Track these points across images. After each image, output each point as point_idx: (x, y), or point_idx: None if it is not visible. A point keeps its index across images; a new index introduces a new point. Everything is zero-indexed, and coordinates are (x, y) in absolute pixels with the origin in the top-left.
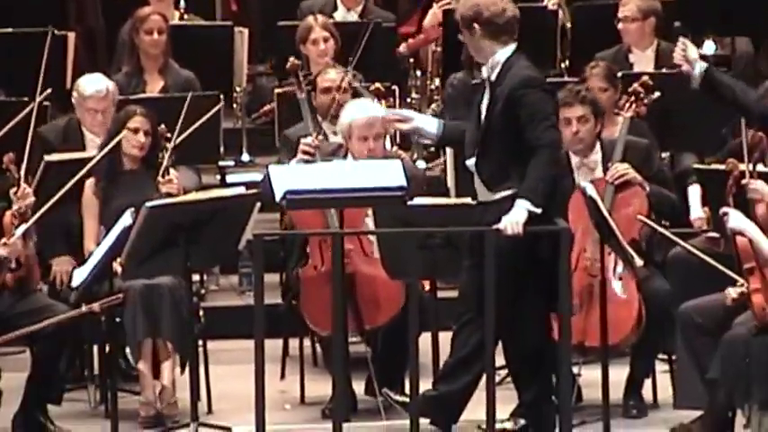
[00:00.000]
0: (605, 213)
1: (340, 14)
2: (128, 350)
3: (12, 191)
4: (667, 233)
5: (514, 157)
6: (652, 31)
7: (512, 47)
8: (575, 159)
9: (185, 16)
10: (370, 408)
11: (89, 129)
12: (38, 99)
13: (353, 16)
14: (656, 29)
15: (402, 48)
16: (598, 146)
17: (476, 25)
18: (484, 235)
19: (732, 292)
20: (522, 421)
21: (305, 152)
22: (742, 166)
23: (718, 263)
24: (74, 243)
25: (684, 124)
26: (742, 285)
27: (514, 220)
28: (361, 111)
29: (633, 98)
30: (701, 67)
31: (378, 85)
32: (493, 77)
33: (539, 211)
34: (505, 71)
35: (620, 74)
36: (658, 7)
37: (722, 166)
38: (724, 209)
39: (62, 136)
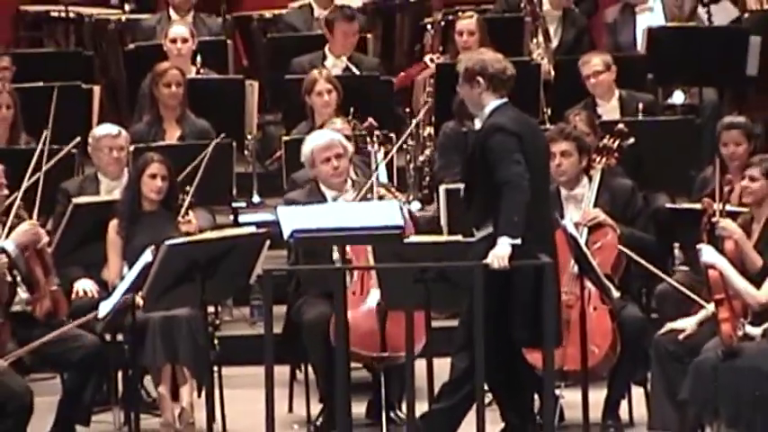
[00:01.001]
0: (584, 249)
1: (330, 62)
2: (147, 378)
3: None
4: (647, 265)
5: (493, 198)
6: (613, 81)
7: (502, 100)
8: (563, 192)
9: (201, 70)
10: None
11: (104, 170)
12: (68, 147)
13: (342, 63)
14: (616, 80)
15: (395, 81)
16: (585, 180)
17: (480, 79)
18: (473, 269)
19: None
20: None
21: None
22: (715, 206)
23: (697, 293)
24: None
25: (656, 167)
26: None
27: (500, 255)
28: (318, 137)
29: (604, 152)
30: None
31: (377, 132)
32: (478, 127)
33: (518, 241)
34: (487, 121)
35: (600, 120)
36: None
37: (695, 206)
38: (699, 245)
39: (79, 187)
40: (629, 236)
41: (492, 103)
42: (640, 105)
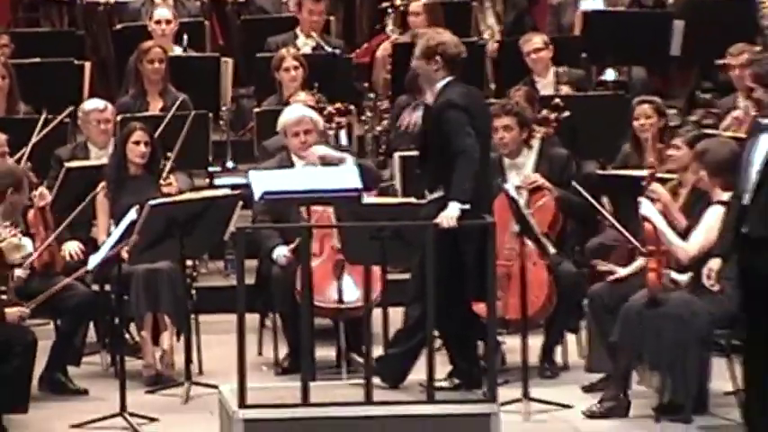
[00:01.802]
0: (523, 210)
1: (301, 41)
2: (131, 325)
3: (32, 193)
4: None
5: (445, 165)
6: (550, 59)
7: (452, 77)
8: (506, 161)
9: (187, 49)
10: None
11: (94, 140)
12: (61, 116)
13: (312, 42)
14: (553, 58)
15: (354, 56)
16: (525, 150)
17: (438, 57)
18: (425, 228)
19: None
20: (456, 381)
21: None
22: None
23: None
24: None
25: (589, 138)
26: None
27: (449, 216)
28: (291, 112)
29: (543, 123)
30: None
31: (339, 105)
32: (431, 102)
33: (467, 206)
34: (439, 97)
35: (539, 95)
36: None
37: (621, 172)
38: (640, 198)
39: (71, 154)
40: (566, 197)
41: (444, 80)
42: (564, 78)
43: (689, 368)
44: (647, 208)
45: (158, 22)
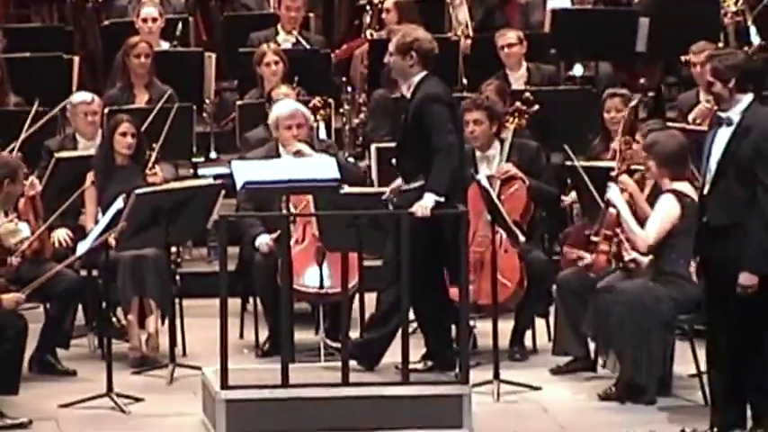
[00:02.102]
0: (495, 200)
1: (281, 38)
2: (118, 309)
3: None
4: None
5: (423, 157)
6: (522, 54)
7: (426, 72)
8: (478, 153)
9: (175, 45)
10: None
11: (82, 131)
12: (54, 110)
13: (292, 38)
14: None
15: (333, 55)
16: (496, 142)
17: (413, 53)
18: (400, 217)
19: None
20: (430, 363)
21: None
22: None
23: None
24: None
25: (557, 130)
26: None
27: (423, 206)
28: (285, 106)
29: (515, 114)
30: None
31: (318, 98)
32: (408, 95)
33: (442, 199)
34: (417, 90)
35: (510, 89)
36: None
37: (590, 163)
38: (610, 183)
39: (60, 145)
40: (537, 187)
41: (419, 74)
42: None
43: (653, 352)
44: (614, 193)
45: (145, 19)
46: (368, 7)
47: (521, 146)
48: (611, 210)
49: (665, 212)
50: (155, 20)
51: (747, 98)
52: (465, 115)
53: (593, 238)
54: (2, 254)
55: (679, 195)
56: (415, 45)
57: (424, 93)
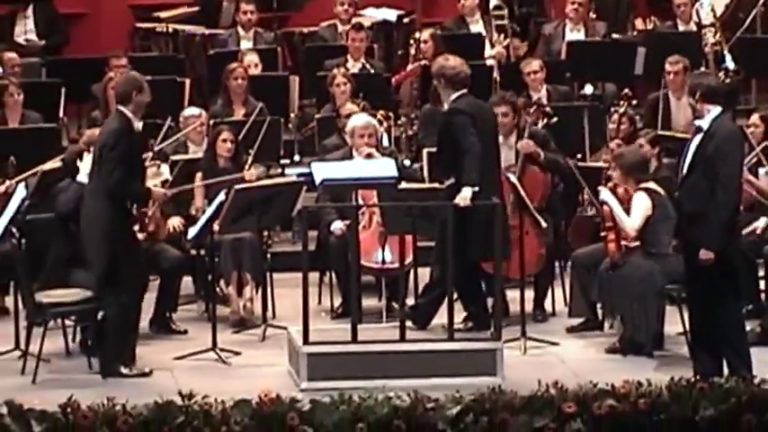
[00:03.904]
0: (522, 193)
1: (350, 64)
2: (221, 282)
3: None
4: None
5: (454, 159)
6: (543, 78)
7: (462, 91)
8: (501, 139)
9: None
10: (373, 315)
11: (191, 139)
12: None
13: (359, 65)
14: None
15: (393, 80)
16: (515, 132)
17: (441, 79)
18: (446, 207)
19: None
20: (470, 324)
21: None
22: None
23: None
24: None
25: (572, 138)
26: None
27: (464, 197)
28: (360, 119)
29: (537, 108)
30: None
31: (381, 112)
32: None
33: (477, 189)
34: (452, 106)
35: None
36: None
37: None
38: (599, 187)
39: (174, 150)
40: (552, 159)
41: (453, 94)
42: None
43: (649, 315)
44: (605, 194)
45: (249, 65)
46: (411, 41)
47: (533, 132)
48: (605, 207)
49: (641, 206)
50: (257, 65)
51: (716, 110)
52: (494, 108)
53: (602, 234)
54: (147, 194)
55: (649, 192)
56: (440, 72)
57: (450, 107)
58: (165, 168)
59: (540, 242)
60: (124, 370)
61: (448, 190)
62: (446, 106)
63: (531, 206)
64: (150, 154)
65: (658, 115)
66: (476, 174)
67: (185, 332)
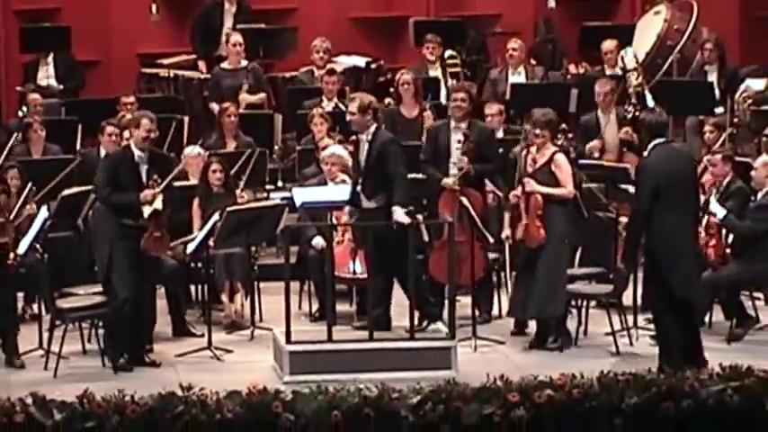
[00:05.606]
0: (473, 214)
1: (325, 104)
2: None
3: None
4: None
5: (384, 182)
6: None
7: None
8: (452, 124)
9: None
10: (345, 319)
11: (191, 170)
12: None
13: (332, 104)
14: None
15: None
16: (467, 118)
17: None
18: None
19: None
20: (425, 322)
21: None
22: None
23: None
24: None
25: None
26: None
27: (401, 215)
28: (327, 150)
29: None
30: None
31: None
32: (369, 139)
33: (410, 208)
34: (374, 137)
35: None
36: None
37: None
38: (525, 179)
39: (175, 177)
40: (479, 170)
41: (373, 126)
42: None
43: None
44: (531, 185)
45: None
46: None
47: (481, 128)
48: (536, 196)
49: (566, 165)
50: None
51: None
52: (453, 94)
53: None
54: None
55: (562, 149)
56: (371, 105)
57: (385, 138)
58: (158, 203)
59: (484, 254)
60: (122, 361)
61: (377, 210)
62: (364, 137)
63: (479, 224)
64: (157, 189)
65: (590, 132)
66: (407, 197)
67: (202, 336)
